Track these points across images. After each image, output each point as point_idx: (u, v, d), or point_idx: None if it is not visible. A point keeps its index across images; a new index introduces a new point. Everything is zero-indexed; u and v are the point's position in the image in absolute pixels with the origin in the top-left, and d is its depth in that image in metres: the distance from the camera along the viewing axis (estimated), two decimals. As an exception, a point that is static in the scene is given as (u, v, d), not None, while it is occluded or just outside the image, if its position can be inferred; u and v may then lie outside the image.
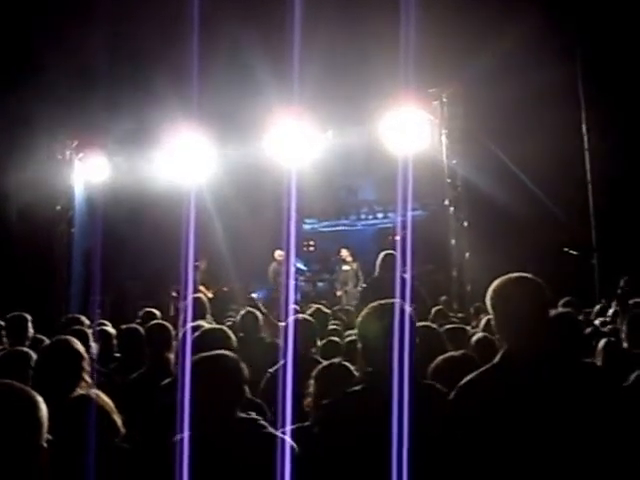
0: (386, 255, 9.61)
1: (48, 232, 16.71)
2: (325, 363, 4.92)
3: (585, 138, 14.64)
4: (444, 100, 14.58)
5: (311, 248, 21.95)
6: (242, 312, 8.56)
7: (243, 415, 3.84)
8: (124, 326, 8.37)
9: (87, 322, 8.69)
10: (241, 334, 8.23)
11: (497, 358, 3.47)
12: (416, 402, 3.46)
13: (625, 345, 5.01)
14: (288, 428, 4.12)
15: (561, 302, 8.56)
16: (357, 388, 3.78)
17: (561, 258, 14.03)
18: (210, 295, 16.29)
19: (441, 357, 4.52)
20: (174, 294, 16.86)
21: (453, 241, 14.67)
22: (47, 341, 6.47)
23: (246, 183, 17.22)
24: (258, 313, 8.37)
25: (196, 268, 15.76)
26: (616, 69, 13.73)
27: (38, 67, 14.44)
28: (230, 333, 5.32)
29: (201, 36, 9.66)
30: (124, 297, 17.54)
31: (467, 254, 14.38)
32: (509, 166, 14.23)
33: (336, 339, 7.48)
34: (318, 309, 9.05)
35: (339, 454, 3.59)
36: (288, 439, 3.85)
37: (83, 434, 3.82)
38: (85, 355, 4.91)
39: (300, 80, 10.61)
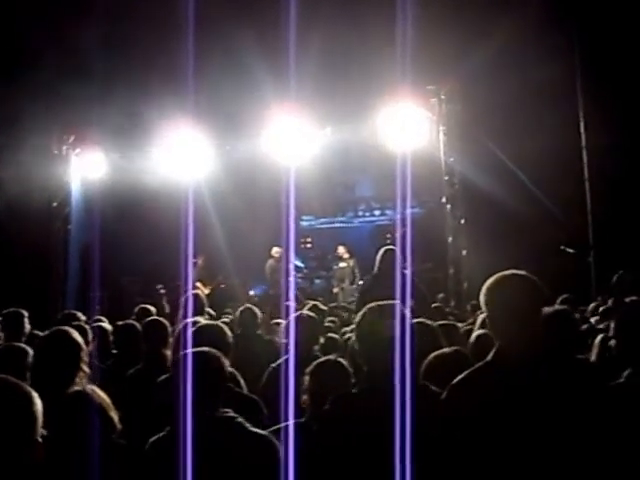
0: (386, 251, 9.42)
1: (45, 228, 16.68)
2: (320, 359, 4.91)
3: (583, 136, 14.63)
4: (442, 97, 14.59)
5: (308, 245, 21.94)
6: (241, 308, 8.53)
7: (223, 413, 3.86)
8: (120, 322, 8.37)
9: (83, 318, 8.69)
10: (239, 331, 8.25)
11: (490, 356, 3.46)
12: (413, 403, 3.44)
13: (613, 343, 4.99)
14: (285, 424, 4.11)
15: (559, 299, 8.57)
16: (355, 390, 3.80)
17: (558, 256, 14.03)
18: (207, 291, 16.31)
19: (433, 354, 4.49)
20: (162, 290, 16.91)
21: (450, 239, 14.69)
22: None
23: (243, 179, 17.22)
24: (257, 310, 8.35)
25: (194, 265, 15.77)
26: (615, 66, 13.72)
27: (34, 63, 14.41)
28: (226, 329, 5.31)
29: (197, 32, 9.67)
30: (121, 294, 17.54)
31: (464, 252, 14.40)
32: (506, 163, 14.23)
33: (336, 336, 7.49)
34: (315, 306, 9.05)
35: (336, 454, 3.57)
36: (271, 437, 3.87)
37: (80, 430, 3.82)
38: (84, 346, 4.91)
39: (297, 76, 10.62)
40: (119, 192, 16.46)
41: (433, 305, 9.90)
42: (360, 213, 22.15)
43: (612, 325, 4.90)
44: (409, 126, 13.93)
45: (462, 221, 14.50)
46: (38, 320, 8.06)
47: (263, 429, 4.04)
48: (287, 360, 5.56)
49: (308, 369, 4.69)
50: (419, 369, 4.16)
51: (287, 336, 6.36)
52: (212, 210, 16.74)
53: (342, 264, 18.41)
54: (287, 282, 16.48)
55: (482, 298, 3.52)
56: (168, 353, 5.93)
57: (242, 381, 5.40)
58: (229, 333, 5.22)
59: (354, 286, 17.41)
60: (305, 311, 7.41)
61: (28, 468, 2.53)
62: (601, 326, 7.75)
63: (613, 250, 13.63)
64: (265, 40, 12.71)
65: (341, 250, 18.59)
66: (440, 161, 14.63)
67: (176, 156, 15.78)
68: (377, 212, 21.71)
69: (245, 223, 17.79)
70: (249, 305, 8.66)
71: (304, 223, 21.83)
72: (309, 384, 4.55)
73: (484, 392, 3.33)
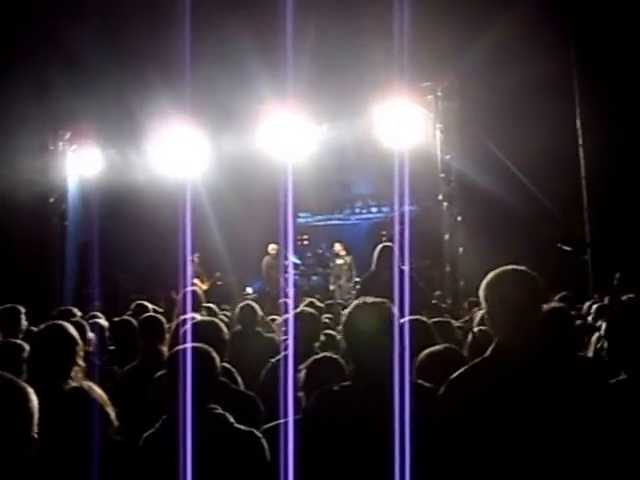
0: (383, 247, 9.32)
1: (42, 224, 16.66)
2: (316, 356, 4.91)
3: (579, 133, 14.63)
4: (439, 94, 14.58)
5: (305, 242, 21.95)
6: (241, 305, 8.51)
7: (212, 410, 3.88)
8: (117, 318, 8.37)
9: (79, 314, 8.69)
10: (238, 327, 8.25)
11: (488, 352, 3.44)
12: (402, 401, 3.41)
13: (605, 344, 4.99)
14: (284, 421, 4.11)
15: (557, 297, 8.57)
16: (337, 388, 3.70)
17: (555, 254, 14.03)
18: (205, 287, 16.32)
19: (424, 352, 4.47)
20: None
21: (447, 236, 14.69)
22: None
23: (239, 176, 17.19)
24: (257, 306, 8.34)
25: (191, 261, 15.76)
26: (611, 64, 13.72)
27: (28, 59, 14.40)
28: (222, 325, 5.31)
29: (193, 27, 9.66)
30: (118, 290, 17.53)
31: (460, 249, 14.41)
32: (503, 161, 14.22)
33: (335, 333, 7.49)
34: (311, 303, 9.04)
35: (319, 453, 3.51)
36: (257, 434, 3.88)
37: (76, 426, 3.81)
38: (79, 340, 4.90)
39: (293, 73, 10.61)
40: (116, 188, 16.45)
41: (430, 302, 9.88)
42: (357, 210, 22.16)
43: (603, 325, 4.91)
44: (406, 123, 13.93)
45: (459, 219, 14.50)
46: (35, 316, 8.05)
47: (259, 426, 4.05)
48: (286, 356, 5.56)
49: (304, 365, 4.69)
50: (411, 366, 4.15)
51: (287, 333, 6.35)
52: (208, 207, 16.72)
53: (339, 261, 18.43)
54: (284, 279, 16.51)
55: (481, 293, 3.49)
56: (164, 349, 5.93)
57: (239, 378, 5.40)
58: (225, 329, 5.22)
59: (351, 283, 17.41)
60: (306, 308, 7.40)
61: (24, 464, 2.52)
62: (599, 323, 7.76)
63: (610, 248, 13.64)
64: (261, 36, 12.69)
65: (338, 247, 18.61)
66: (437, 158, 14.63)
67: (172, 152, 15.78)
68: (374, 209, 21.73)
69: (241, 220, 17.78)
70: (249, 302, 8.63)
71: (301, 220, 21.82)
72: (305, 380, 4.56)
73: (482, 388, 3.32)
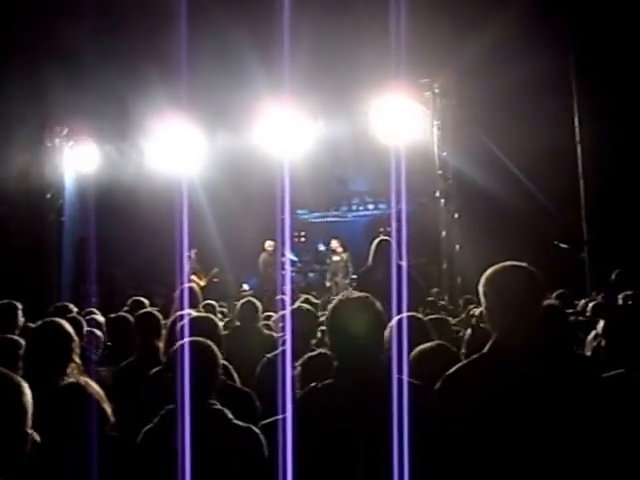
0: (380, 242, 9.15)
1: (38, 220, 16.67)
2: (312, 353, 4.91)
3: (577, 131, 14.64)
4: (436, 91, 14.58)
5: (302, 239, 21.95)
6: (242, 301, 8.49)
7: (210, 405, 3.87)
8: (113, 315, 8.36)
9: (75, 310, 8.68)
10: (238, 323, 8.24)
11: (486, 348, 3.41)
12: (389, 398, 3.35)
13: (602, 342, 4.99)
14: (282, 417, 4.10)
15: (554, 294, 8.57)
16: (319, 386, 3.61)
17: (552, 251, 14.04)
18: (202, 284, 16.33)
19: (417, 348, 4.40)
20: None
21: (444, 233, 14.69)
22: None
23: (236, 172, 17.18)
24: (257, 303, 8.31)
25: (188, 258, 15.76)
26: (609, 61, 13.73)
27: (27, 55, 14.38)
28: (217, 321, 5.31)
29: (189, 24, 9.63)
30: (114, 286, 17.52)
31: (457, 246, 14.41)
32: (500, 158, 14.23)
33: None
34: (307, 300, 9.03)
35: (302, 451, 3.42)
36: (255, 430, 3.87)
37: (73, 422, 3.81)
38: (75, 337, 4.90)
39: (290, 69, 10.58)
40: (112, 184, 16.45)
41: (427, 299, 9.86)
42: (354, 207, 22.15)
43: (601, 324, 4.91)
44: (403, 120, 13.93)
45: (456, 216, 14.50)
46: (32, 312, 8.04)
47: (256, 422, 4.04)
48: (283, 352, 5.55)
49: (299, 362, 4.69)
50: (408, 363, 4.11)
51: (284, 329, 6.35)
52: (205, 203, 16.72)
53: (336, 257, 18.42)
54: (280, 276, 16.50)
55: (480, 289, 3.46)
56: (161, 345, 5.92)
57: (235, 374, 5.40)
58: (220, 325, 5.22)
59: (347, 280, 17.41)
60: (303, 304, 7.39)
61: (18, 460, 2.51)
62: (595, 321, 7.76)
63: (607, 245, 13.65)
64: (257, 32, 12.68)
65: (334, 244, 18.60)
66: (434, 155, 14.63)
67: (169, 149, 15.78)
68: (371, 206, 21.73)
69: (238, 216, 17.77)
70: (250, 298, 8.61)
71: (298, 217, 21.82)
72: (300, 376, 4.56)
73: (479, 384, 3.30)
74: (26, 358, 4.78)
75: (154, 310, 7.19)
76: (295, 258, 20.18)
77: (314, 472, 3.37)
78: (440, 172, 14.65)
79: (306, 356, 4.75)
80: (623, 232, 13.49)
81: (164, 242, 12.13)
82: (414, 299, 6.20)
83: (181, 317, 5.47)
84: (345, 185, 21.91)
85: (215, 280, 17.82)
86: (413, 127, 13.99)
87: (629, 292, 8.79)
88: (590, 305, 8.98)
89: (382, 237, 9.40)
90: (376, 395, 3.39)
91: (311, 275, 20.39)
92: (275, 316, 9.34)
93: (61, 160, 17.17)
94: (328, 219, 22.16)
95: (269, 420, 4.09)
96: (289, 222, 16.32)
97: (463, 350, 5.56)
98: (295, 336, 5.74)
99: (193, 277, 16.48)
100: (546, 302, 5.05)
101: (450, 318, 8.40)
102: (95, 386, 4.08)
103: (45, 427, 2.74)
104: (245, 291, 17.88)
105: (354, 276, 15.68)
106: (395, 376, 3.49)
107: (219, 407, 3.88)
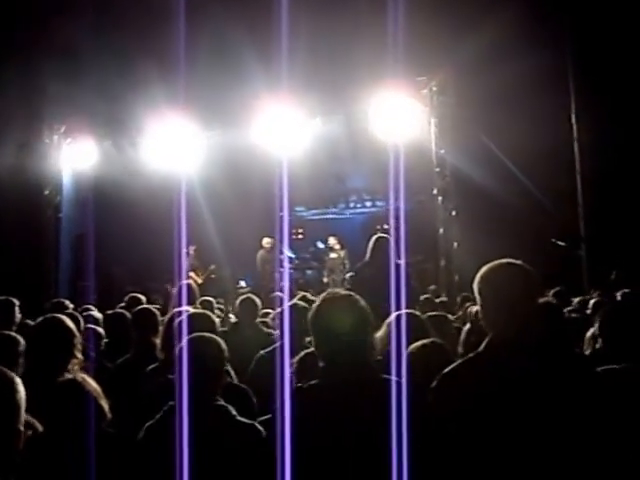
0: (378, 238, 9.10)
1: (36, 217, 16.67)
2: (308, 350, 4.91)
3: (574, 128, 14.65)
4: (433, 89, 14.58)
5: (300, 236, 21.95)
6: (242, 297, 8.49)
7: (215, 402, 3.88)
8: (110, 311, 8.37)
9: (71, 306, 8.69)
10: (235, 320, 8.24)
11: (482, 346, 3.39)
12: (377, 397, 3.34)
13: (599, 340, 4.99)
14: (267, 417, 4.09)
15: (551, 292, 8.57)
16: (305, 386, 3.55)
17: (549, 249, 14.05)
18: (200, 281, 16.33)
19: (411, 346, 4.36)
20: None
21: (441, 230, 14.70)
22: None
23: (234, 170, 17.17)
24: (257, 299, 8.31)
25: (185, 254, 15.76)
26: (607, 58, 13.73)
27: (24, 52, 14.37)
28: (214, 317, 5.31)
29: (187, 21, 9.64)
30: (112, 283, 17.51)
31: (455, 244, 14.42)
32: (498, 156, 14.23)
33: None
34: (304, 297, 9.02)
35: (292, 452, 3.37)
36: (259, 427, 3.85)
37: (70, 419, 3.81)
38: (77, 333, 4.93)
39: (287, 66, 10.59)
40: (110, 181, 16.43)
41: (424, 297, 9.85)
42: (352, 204, 22.15)
43: (597, 322, 4.91)
44: (400, 117, 13.93)
45: (453, 213, 14.51)
46: (29, 309, 8.05)
47: (253, 419, 4.05)
48: (278, 349, 5.55)
49: (295, 359, 4.69)
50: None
51: (281, 326, 6.34)
52: (203, 200, 16.71)
53: (333, 255, 18.42)
54: (278, 273, 16.50)
55: (475, 286, 3.43)
56: (157, 342, 5.93)
57: (232, 371, 5.40)
58: (217, 322, 5.22)
59: (345, 277, 17.40)
60: (299, 302, 7.38)
61: (10, 457, 2.50)
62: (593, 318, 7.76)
63: (604, 243, 13.66)
64: (255, 29, 12.67)
65: (332, 241, 18.60)
66: (431, 153, 14.64)
67: (166, 146, 15.77)
68: (368, 204, 21.73)
69: (236, 214, 17.76)
70: (250, 295, 8.61)
71: (296, 214, 21.82)
72: (296, 373, 4.56)
73: (476, 383, 3.28)
74: (28, 354, 4.81)
75: (151, 307, 7.19)
76: (292, 255, 20.18)
77: (303, 473, 3.32)
78: (438, 170, 14.66)
79: (302, 353, 4.75)
80: (620, 230, 13.50)
81: (162, 239, 12.13)
82: (406, 299, 6.18)
83: (178, 314, 5.47)
84: (343, 182, 21.89)
85: (213, 277, 17.82)
86: (411, 125, 13.99)
87: (627, 290, 8.80)
88: (591, 303, 8.99)
89: (380, 234, 9.39)
90: (363, 394, 3.37)
91: (309, 272, 20.39)
92: (272, 313, 9.34)
93: (59, 157, 17.16)
94: (326, 216, 22.16)
95: (263, 418, 4.09)
96: (287, 219, 16.32)
97: (460, 348, 5.57)
98: (290, 333, 5.74)
99: (191, 274, 16.49)
100: (543, 300, 5.06)
101: (450, 315, 8.40)
102: (92, 382, 4.08)
103: (42, 423, 2.74)
104: (242, 288, 17.88)
105: (349, 273, 15.68)
106: (383, 376, 3.48)
107: (223, 403, 3.88)
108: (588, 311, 8.73)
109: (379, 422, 3.26)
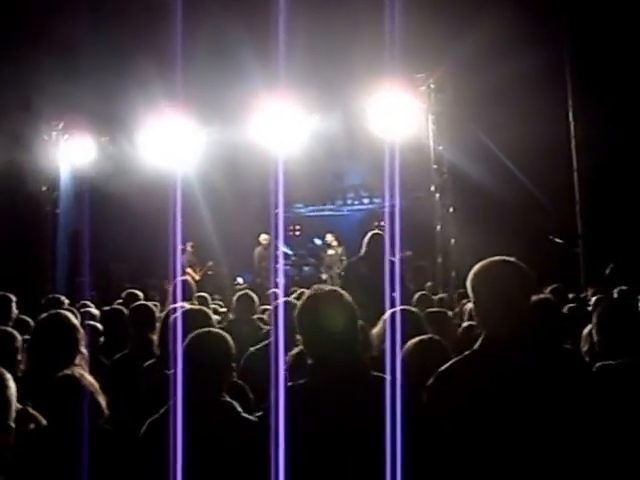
0: (373, 235, 9.15)
1: (34, 212, 16.67)
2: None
3: (572, 125, 14.66)
4: (431, 86, 14.58)
5: (297, 233, 21.96)
6: (239, 294, 8.50)
7: (220, 397, 3.88)
8: (107, 307, 8.37)
9: (67, 302, 8.69)
10: (233, 316, 8.24)
11: (477, 344, 3.37)
12: (368, 396, 3.32)
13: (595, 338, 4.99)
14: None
15: (548, 289, 8.57)
16: (295, 385, 3.50)
17: (546, 246, 14.06)
18: (198, 277, 16.34)
19: (408, 343, 4.33)
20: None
21: (438, 227, 14.69)
22: (31, 322, 6.49)
23: (232, 166, 17.18)
24: (254, 296, 8.31)
25: (182, 251, 15.78)
26: (604, 55, 13.74)
27: (23, 49, 14.35)
28: (210, 313, 5.32)
29: (185, 18, 9.61)
30: (110, 279, 17.52)
31: (452, 240, 14.41)
32: (495, 152, 14.25)
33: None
34: (302, 294, 9.02)
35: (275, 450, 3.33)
36: (262, 424, 3.85)
37: (67, 415, 3.82)
38: (80, 329, 4.95)
39: (285, 63, 10.57)
40: (108, 177, 16.42)
41: (420, 293, 9.84)
42: (349, 201, 22.14)
43: (594, 320, 4.92)
44: (398, 115, 13.93)
45: (451, 210, 14.50)
46: (26, 305, 8.05)
47: (250, 415, 4.05)
48: (270, 345, 5.55)
49: (289, 355, 4.70)
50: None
51: (274, 322, 6.34)
52: (200, 197, 16.73)
53: (330, 251, 18.44)
54: (275, 269, 16.51)
55: (469, 283, 3.42)
56: (155, 338, 5.93)
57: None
58: (213, 318, 5.22)
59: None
60: (292, 299, 7.38)
61: (1, 454, 2.48)
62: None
63: (601, 240, 13.68)
64: (253, 26, 12.67)
65: (329, 237, 18.62)
66: (429, 150, 14.63)
67: (164, 142, 15.77)
68: (366, 200, 21.73)
69: (233, 210, 17.78)
70: (247, 291, 8.61)
71: (293, 211, 21.82)
72: (290, 370, 4.57)
73: (471, 380, 3.28)
74: (33, 350, 4.83)
75: (148, 303, 7.20)
76: (290, 252, 20.20)
77: (297, 472, 3.29)
78: (435, 167, 14.65)
79: (297, 349, 4.75)
80: (617, 227, 13.52)
81: (160, 236, 12.12)
82: (400, 295, 6.19)
83: (175, 310, 5.48)
84: (340, 179, 21.89)
85: (210, 273, 17.83)
86: (408, 122, 13.99)
87: (624, 287, 8.82)
88: (593, 299, 9.00)
89: (375, 231, 9.40)
90: (357, 393, 3.35)
91: (306, 269, 20.41)
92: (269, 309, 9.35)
93: (56, 153, 17.15)
94: (323, 213, 22.16)
95: (256, 415, 4.09)
96: (282, 216, 16.32)
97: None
98: (284, 330, 5.75)
99: (188, 270, 16.50)
100: (541, 297, 5.07)
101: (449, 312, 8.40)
102: (90, 378, 4.09)
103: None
104: (239, 284, 17.88)
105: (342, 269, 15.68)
106: (375, 373, 3.45)
107: (229, 400, 3.88)
108: (589, 308, 8.76)
109: (373, 420, 3.24)
